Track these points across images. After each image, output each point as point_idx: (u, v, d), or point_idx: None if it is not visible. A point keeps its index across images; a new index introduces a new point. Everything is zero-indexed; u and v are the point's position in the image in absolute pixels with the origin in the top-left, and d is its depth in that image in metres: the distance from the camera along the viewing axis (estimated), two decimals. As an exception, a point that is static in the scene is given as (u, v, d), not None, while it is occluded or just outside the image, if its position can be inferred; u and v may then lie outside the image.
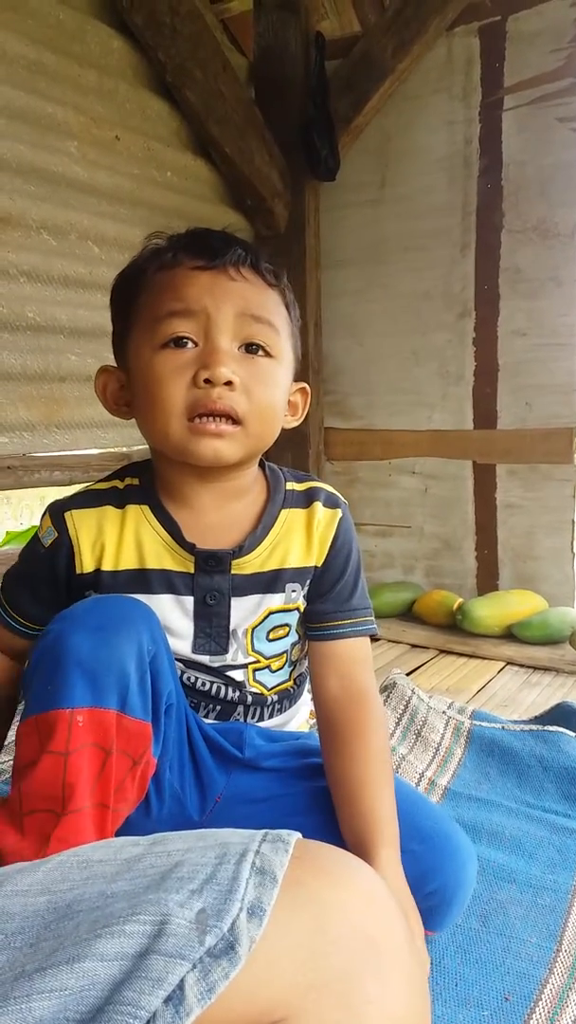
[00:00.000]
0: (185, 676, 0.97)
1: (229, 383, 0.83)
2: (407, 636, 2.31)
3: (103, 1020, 0.41)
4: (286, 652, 1.00)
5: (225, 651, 0.95)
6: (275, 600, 0.96)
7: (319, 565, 0.98)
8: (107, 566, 0.92)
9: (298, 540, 0.97)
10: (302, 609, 0.99)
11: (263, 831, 0.53)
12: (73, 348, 1.88)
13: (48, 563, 0.94)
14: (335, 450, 2.74)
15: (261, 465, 1.01)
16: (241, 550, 0.94)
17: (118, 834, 0.82)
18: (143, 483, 0.96)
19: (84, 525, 0.92)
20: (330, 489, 1.02)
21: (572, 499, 2.31)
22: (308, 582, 0.98)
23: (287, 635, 0.99)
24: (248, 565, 0.94)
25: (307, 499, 0.99)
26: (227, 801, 0.96)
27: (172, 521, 0.93)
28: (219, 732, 0.98)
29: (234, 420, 0.85)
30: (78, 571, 0.92)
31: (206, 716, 0.98)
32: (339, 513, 0.99)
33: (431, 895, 0.85)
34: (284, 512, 0.97)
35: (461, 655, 2.17)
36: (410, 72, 2.43)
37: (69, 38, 1.88)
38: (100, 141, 1.95)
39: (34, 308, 1.79)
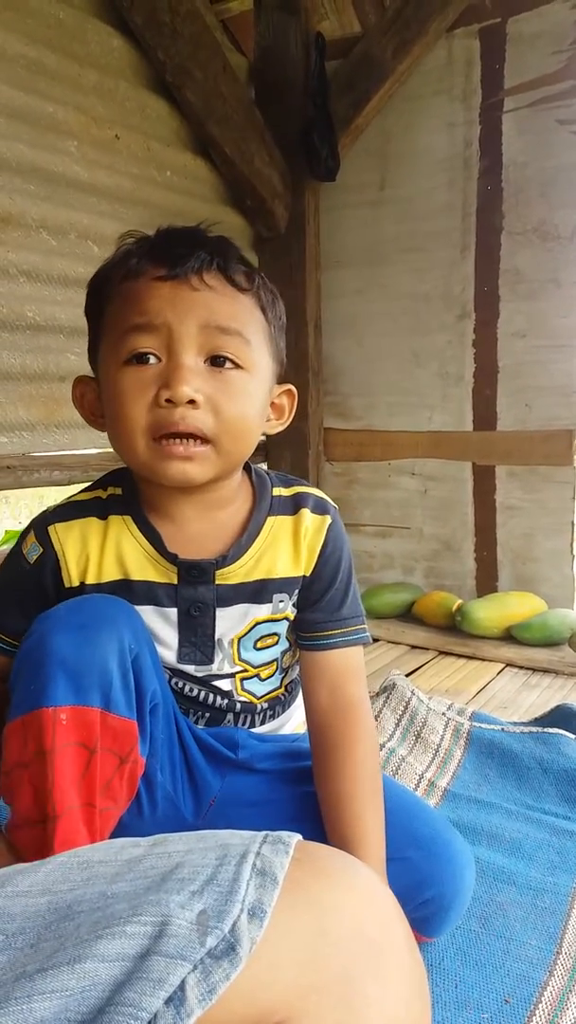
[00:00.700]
0: (173, 682, 0.96)
1: (192, 402, 0.80)
2: (406, 637, 2.31)
3: (104, 1021, 0.40)
4: (276, 660, 0.99)
5: (211, 661, 0.94)
6: (262, 611, 0.94)
7: (307, 574, 0.95)
8: (91, 579, 0.91)
9: (285, 549, 0.94)
10: (291, 618, 0.97)
11: (263, 832, 0.53)
12: (73, 348, 1.88)
13: (35, 579, 0.92)
14: (335, 451, 2.74)
15: (247, 469, 0.98)
16: (225, 559, 0.91)
17: (112, 837, 0.82)
18: (125, 492, 0.94)
19: (69, 538, 0.91)
20: (318, 494, 0.99)
21: (572, 501, 2.31)
22: (296, 591, 0.95)
23: (276, 643, 0.98)
24: (233, 575, 0.92)
25: (294, 505, 0.96)
26: (222, 804, 0.96)
27: (154, 532, 0.91)
28: (211, 734, 0.97)
29: (203, 439, 0.82)
30: (66, 585, 0.91)
31: (196, 722, 0.98)
32: (328, 519, 0.96)
33: (428, 902, 0.85)
34: (270, 520, 0.95)
35: (460, 656, 2.17)
36: (410, 73, 2.43)
37: (69, 37, 1.87)
38: (100, 141, 1.95)
39: (34, 308, 1.79)
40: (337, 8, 2.63)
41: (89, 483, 0.99)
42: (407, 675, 2.00)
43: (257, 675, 0.98)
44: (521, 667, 2.07)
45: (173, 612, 0.92)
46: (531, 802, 1.31)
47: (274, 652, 0.98)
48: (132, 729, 0.82)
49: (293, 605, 0.96)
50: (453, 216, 2.43)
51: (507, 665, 2.09)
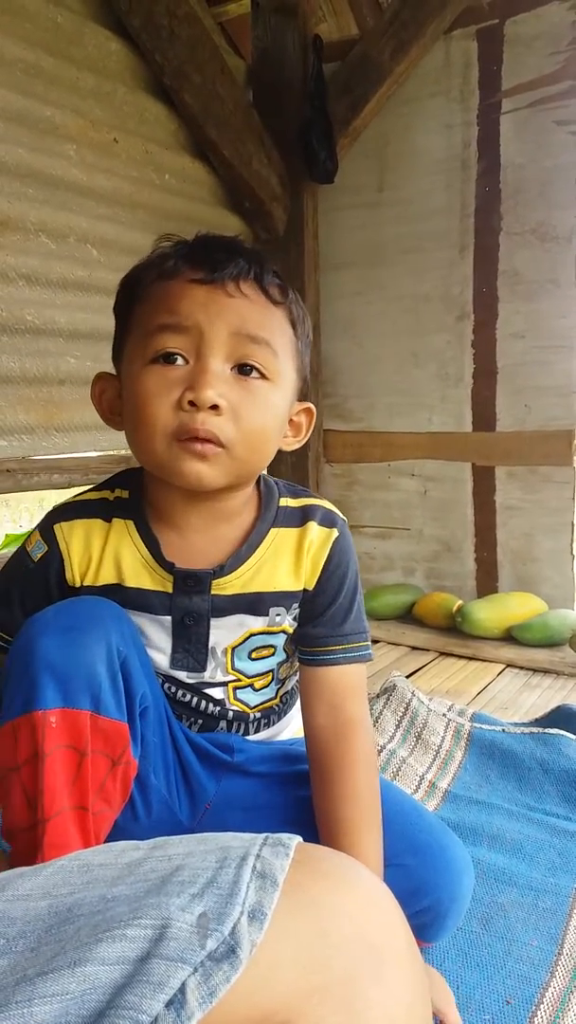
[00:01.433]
0: (166, 687, 0.96)
1: (215, 407, 0.79)
2: (407, 638, 2.31)
3: (104, 1024, 0.40)
4: (271, 671, 0.97)
5: (203, 669, 0.93)
6: (257, 623, 0.93)
7: (310, 588, 0.93)
8: (88, 580, 0.91)
9: (286, 562, 0.92)
10: (290, 631, 0.95)
11: (264, 835, 0.53)
12: (72, 351, 1.88)
13: (38, 577, 0.92)
14: (334, 452, 2.74)
15: (256, 480, 0.96)
16: (222, 570, 0.90)
17: (108, 840, 0.82)
18: (132, 495, 0.93)
19: (74, 538, 0.91)
20: (328, 506, 0.96)
21: (571, 501, 2.31)
22: (295, 605, 0.93)
23: (272, 655, 0.96)
24: (230, 586, 0.91)
25: (302, 517, 0.94)
26: (217, 807, 0.96)
27: (154, 539, 0.90)
28: (206, 738, 0.97)
29: (219, 444, 0.80)
30: (70, 584, 0.91)
31: (190, 727, 0.98)
32: (334, 533, 0.93)
33: (426, 910, 0.84)
34: (273, 531, 0.93)
35: (461, 657, 2.17)
36: (408, 75, 2.44)
37: (67, 41, 1.88)
38: (98, 144, 1.95)
39: (33, 311, 1.79)
40: (335, 10, 2.63)
41: (97, 483, 0.98)
42: (407, 676, 2.00)
43: (251, 685, 0.97)
44: (522, 668, 2.07)
45: (167, 620, 0.91)
46: (532, 803, 1.31)
47: (269, 663, 0.96)
48: (123, 731, 0.82)
49: (293, 619, 0.94)
50: (451, 217, 2.43)
51: (508, 666, 2.09)
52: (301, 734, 1.05)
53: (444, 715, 1.59)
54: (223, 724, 0.98)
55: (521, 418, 2.38)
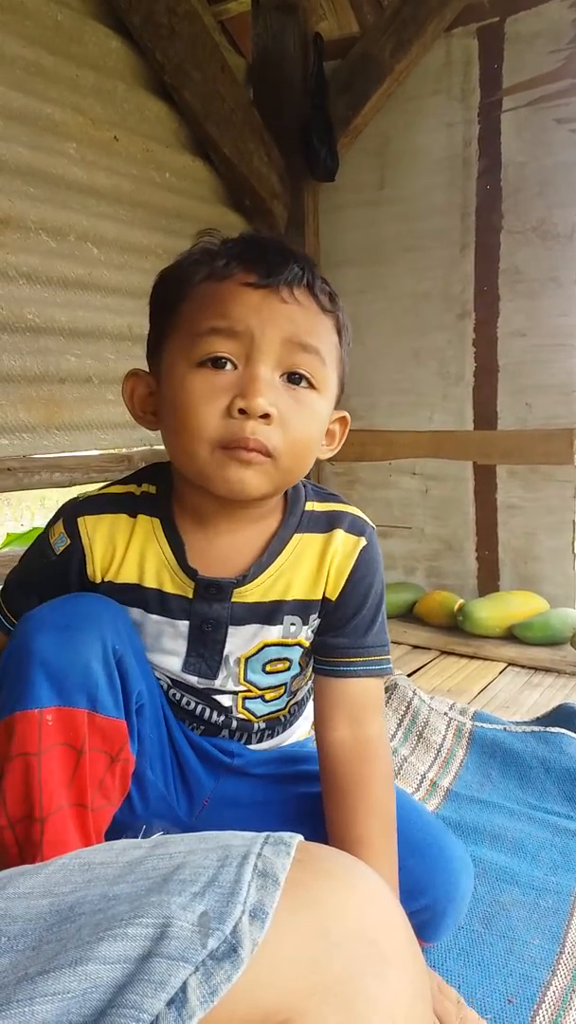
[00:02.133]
0: (171, 693, 0.95)
1: (266, 415, 0.76)
2: (408, 637, 2.31)
3: (106, 1023, 0.40)
4: (285, 684, 0.95)
5: (214, 676, 0.92)
6: (272, 632, 0.90)
7: (332, 598, 0.89)
8: (109, 577, 0.89)
9: (306, 570, 0.89)
10: (306, 644, 0.92)
11: (265, 834, 0.53)
12: (72, 349, 1.88)
13: (59, 570, 0.90)
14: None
15: None
16: (244, 579, 0.88)
17: (107, 834, 0.82)
18: (159, 492, 0.91)
19: (98, 533, 0.89)
20: (356, 513, 0.92)
21: (573, 500, 2.31)
22: (314, 617, 0.91)
23: (288, 668, 0.93)
24: (250, 594, 0.88)
25: (328, 523, 0.90)
26: (215, 804, 0.95)
27: (179, 541, 0.88)
28: (206, 740, 0.97)
29: (266, 454, 0.78)
30: (90, 579, 0.90)
31: (192, 731, 0.97)
32: (362, 542, 0.90)
33: (424, 909, 0.84)
34: (296, 537, 0.89)
35: (462, 656, 2.17)
36: (408, 73, 2.43)
37: (67, 39, 1.88)
38: (99, 142, 1.95)
39: (33, 310, 1.79)
40: (335, 8, 2.63)
41: (106, 480, 0.95)
42: (409, 675, 2.00)
43: (261, 696, 0.95)
44: (523, 666, 2.07)
45: (184, 625, 0.90)
46: (534, 802, 1.31)
47: (284, 677, 0.94)
48: (121, 728, 0.81)
49: (312, 631, 0.91)
50: (452, 215, 2.43)
51: (509, 664, 2.09)
52: (303, 738, 1.05)
53: (445, 714, 1.58)
54: (225, 732, 0.97)
55: (522, 417, 2.38)
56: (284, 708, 0.98)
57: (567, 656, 2.06)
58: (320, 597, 0.90)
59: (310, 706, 0.98)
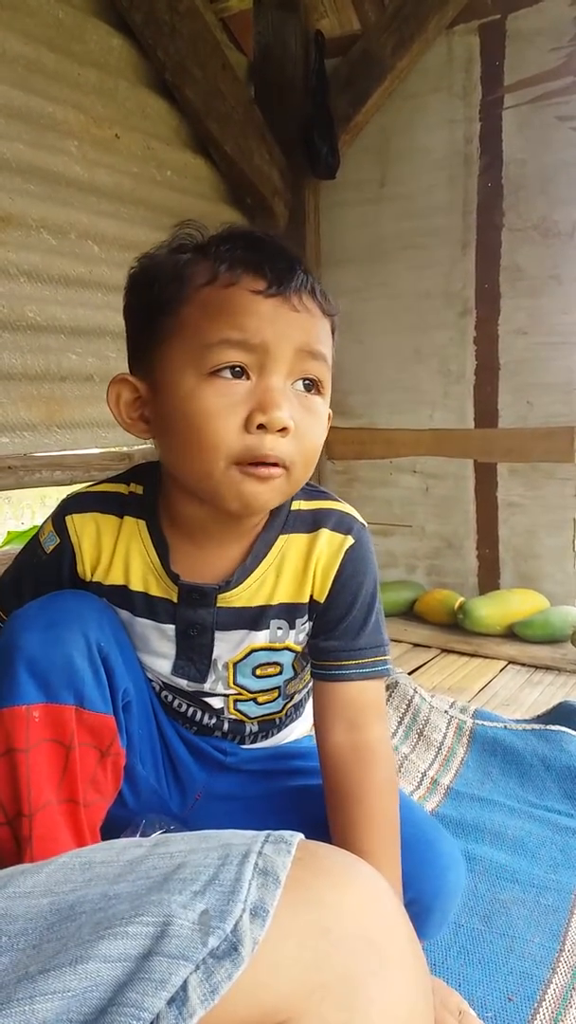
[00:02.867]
0: (163, 694, 0.95)
1: (283, 429, 0.74)
2: (409, 635, 2.31)
3: (107, 1022, 0.40)
4: (278, 688, 0.94)
5: (203, 680, 0.91)
6: (259, 638, 0.88)
7: (320, 600, 0.87)
8: (98, 577, 0.89)
9: (292, 572, 0.87)
10: (297, 648, 0.90)
11: (265, 832, 0.53)
12: (74, 347, 1.88)
13: (50, 569, 0.91)
14: (336, 449, 2.73)
15: None
16: (228, 584, 0.86)
17: (101, 830, 0.83)
18: (147, 493, 0.89)
19: (85, 532, 0.88)
20: (344, 510, 0.89)
21: (573, 498, 2.31)
22: (301, 621, 0.89)
23: (279, 673, 0.92)
24: (236, 599, 0.87)
25: (313, 523, 0.87)
26: (207, 798, 0.96)
27: (164, 545, 0.87)
28: (199, 738, 0.97)
29: (281, 466, 0.76)
30: (81, 577, 0.90)
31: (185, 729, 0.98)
32: (348, 541, 0.87)
33: (410, 903, 0.82)
34: (282, 538, 0.87)
35: (463, 654, 2.17)
36: (410, 70, 2.43)
37: (68, 37, 1.87)
38: (100, 140, 1.95)
39: (34, 308, 1.79)
40: (336, 6, 2.62)
41: (105, 477, 0.94)
42: (409, 673, 2.00)
43: (254, 699, 0.94)
44: (523, 664, 2.07)
45: (171, 628, 0.89)
46: (534, 799, 1.31)
47: (275, 681, 0.92)
48: (110, 723, 0.82)
49: (305, 635, 0.89)
50: (453, 213, 2.42)
51: (509, 662, 2.09)
52: (302, 736, 1.04)
53: (446, 712, 1.59)
54: (218, 734, 0.97)
55: (523, 415, 2.37)
56: (280, 711, 0.97)
57: (567, 654, 2.06)
58: (307, 600, 0.87)
59: (310, 704, 0.97)
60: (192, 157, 2.28)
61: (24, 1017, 0.40)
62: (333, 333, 0.84)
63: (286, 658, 0.91)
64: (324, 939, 0.47)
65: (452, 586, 2.52)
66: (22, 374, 1.77)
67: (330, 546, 0.86)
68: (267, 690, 0.93)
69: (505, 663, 2.09)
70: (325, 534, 0.87)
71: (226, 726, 0.95)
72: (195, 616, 0.87)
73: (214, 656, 0.89)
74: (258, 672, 0.91)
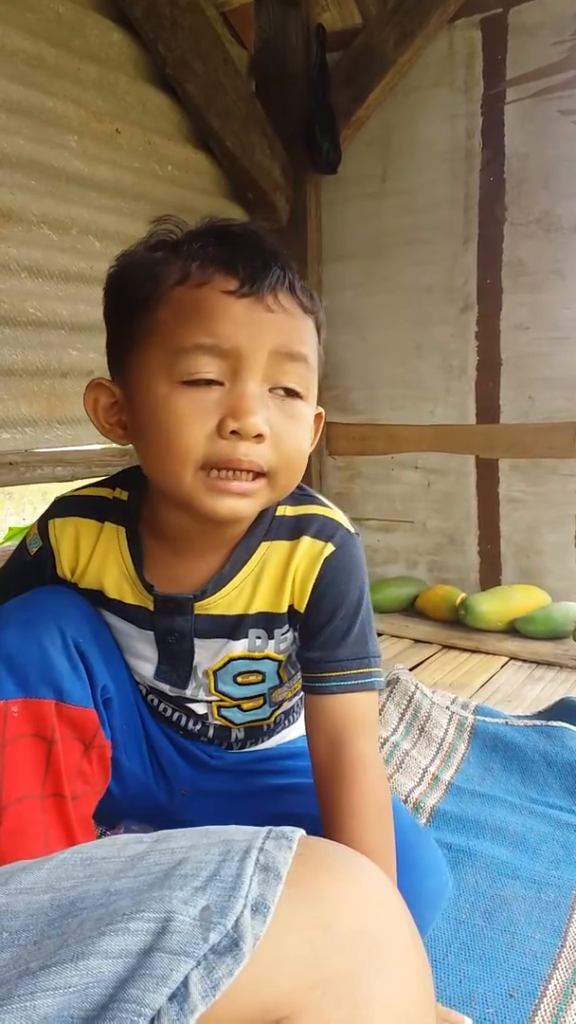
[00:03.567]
0: (149, 699, 0.95)
1: (258, 435, 0.71)
2: (410, 631, 2.31)
3: (108, 1018, 0.40)
4: (263, 695, 0.92)
5: (184, 686, 0.90)
6: (236, 647, 0.86)
7: (300, 609, 0.84)
8: (76, 579, 0.90)
9: (271, 580, 0.84)
10: (279, 658, 0.88)
11: (267, 828, 0.53)
12: (75, 343, 1.88)
13: (34, 571, 0.91)
14: (337, 445, 2.73)
15: None
16: (203, 594, 0.84)
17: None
18: (131, 499, 0.88)
19: (64, 536, 0.88)
20: (328, 515, 0.86)
21: (575, 494, 2.31)
22: (281, 631, 0.86)
23: (261, 681, 0.90)
24: (214, 606, 0.85)
25: (296, 529, 0.84)
26: (194, 794, 0.96)
27: (140, 553, 0.86)
28: (186, 741, 0.97)
29: (259, 474, 0.74)
30: (63, 580, 0.91)
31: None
32: (328, 548, 0.83)
33: None
34: (264, 545, 0.84)
35: (464, 650, 2.17)
36: (411, 65, 2.42)
37: (68, 31, 1.87)
38: (100, 135, 1.94)
39: (35, 303, 1.79)
40: (338, 0, 2.61)
41: (103, 476, 0.94)
42: (411, 669, 2.00)
43: (238, 706, 0.93)
44: (525, 660, 2.07)
45: (150, 634, 0.88)
46: (535, 796, 1.31)
47: (259, 689, 0.91)
48: (92, 716, 0.82)
49: (289, 644, 0.88)
50: (455, 208, 2.42)
51: (511, 659, 2.09)
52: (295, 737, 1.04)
53: (447, 708, 1.58)
54: (204, 740, 0.97)
55: (525, 410, 2.37)
56: (268, 718, 0.96)
57: (569, 650, 2.06)
58: (285, 610, 0.84)
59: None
60: (193, 152, 2.27)
61: (25, 1013, 0.40)
62: (319, 331, 0.80)
63: (268, 667, 0.89)
64: (325, 935, 0.48)
65: (454, 582, 2.51)
66: (23, 370, 1.77)
67: (309, 554, 0.83)
68: (250, 697, 0.92)
69: (507, 659, 2.09)
70: (306, 541, 0.84)
71: (211, 732, 0.95)
72: (172, 624, 0.86)
73: (195, 663, 0.88)
74: (239, 680, 0.89)
